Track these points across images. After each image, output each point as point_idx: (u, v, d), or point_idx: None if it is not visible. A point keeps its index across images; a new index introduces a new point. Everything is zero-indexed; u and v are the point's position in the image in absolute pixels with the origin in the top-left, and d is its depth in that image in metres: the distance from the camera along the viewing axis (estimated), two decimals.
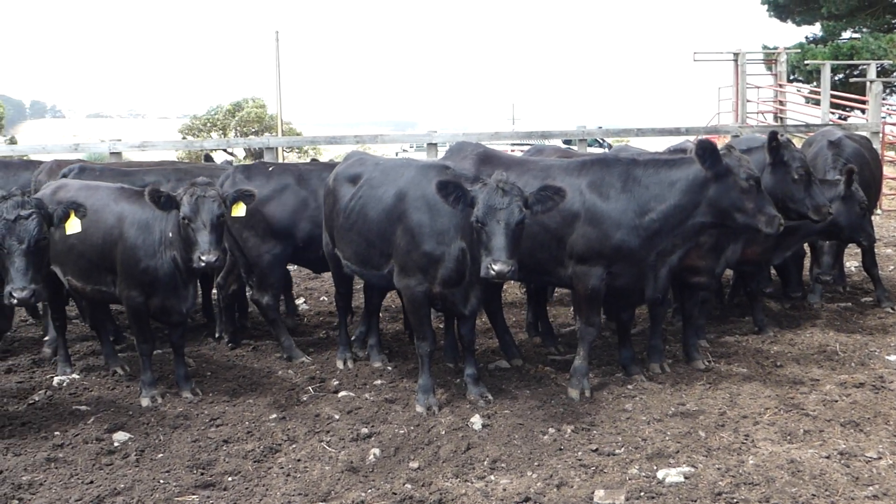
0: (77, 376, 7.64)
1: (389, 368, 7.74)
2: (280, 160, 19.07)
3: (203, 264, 6.41)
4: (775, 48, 28.15)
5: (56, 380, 7.52)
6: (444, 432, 6.16)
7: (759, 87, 27.42)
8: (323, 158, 20.68)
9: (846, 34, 30.52)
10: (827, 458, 5.56)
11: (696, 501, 5.02)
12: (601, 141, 35.06)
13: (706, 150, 6.47)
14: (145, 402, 6.89)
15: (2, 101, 51.84)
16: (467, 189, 6.12)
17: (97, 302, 7.53)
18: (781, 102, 26.76)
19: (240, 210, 6.87)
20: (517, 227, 5.99)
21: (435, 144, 16.65)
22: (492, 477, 5.45)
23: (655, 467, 5.47)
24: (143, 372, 7.04)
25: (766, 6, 31.52)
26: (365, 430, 6.21)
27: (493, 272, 5.86)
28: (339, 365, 7.74)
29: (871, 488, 5.13)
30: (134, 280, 6.84)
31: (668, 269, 6.91)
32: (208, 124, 49.66)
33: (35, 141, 37.02)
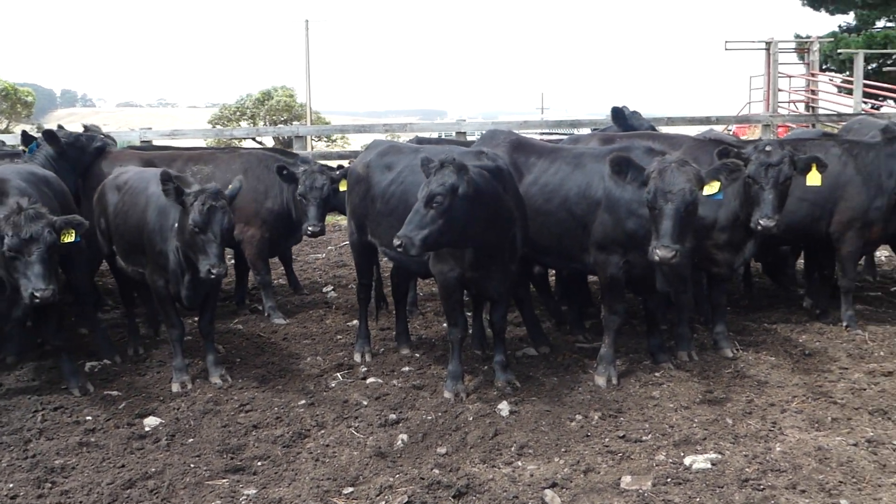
0: (108, 361, 7.76)
1: (417, 355, 7.78)
2: (308, 149, 19.17)
3: (213, 276, 6.48)
4: (808, 37, 27.82)
5: (87, 365, 7.64)
6: (471, 418, 6.20)
7: (790, 77, 27.13)
8: (352, 147, 20.74)
9: (880, 23, 30.12)
10: (854, 445, 5.54)
11: (722, 488, 5.02)
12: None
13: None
14: (175, 387, 6.99)
15: (32, 89, 52.32)
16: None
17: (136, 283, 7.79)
18: (813, 92, 26.46)
19: None
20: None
21: (464, 133, 16.67)
22: (519, 462, 5.48)
23: (682, 454, 5.48)
24: (174, 357, 7.15)
25: None
26: (393, 416, 6.26)
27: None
28: (357, 358, 7.72)
29: None
30: (155, 263, 6.98)
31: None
32: (237, 113, 49.92)
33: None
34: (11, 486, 5.32)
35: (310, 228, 8.94)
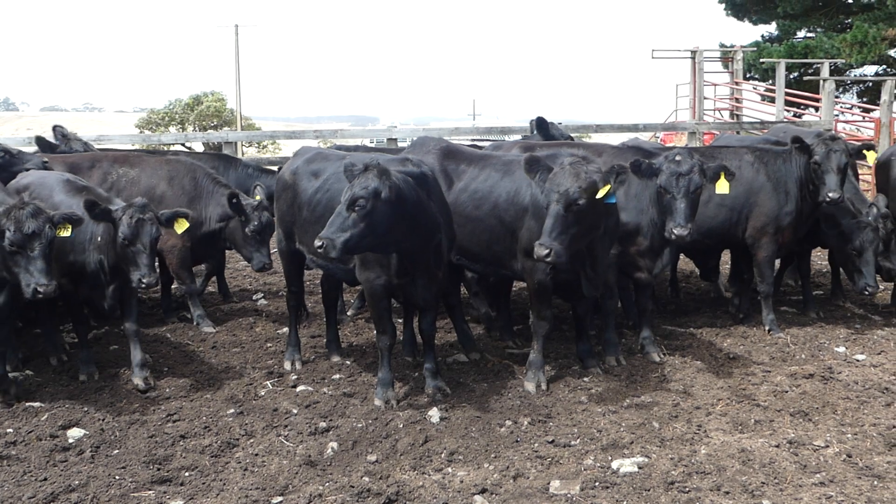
0: (30, 372, 7.56)
1: (348, 363, 7.75)
2: (239, 155, 18.94)
3: (143, 285, 6.77)
4: (732, 46, 28.45)
5: (11, 375, 7.42)
6: (402, 425, 6.19)
7: (716, 85, 27.70)
8: (283, 153, 20.57)
9: (801, 33, 30.90)
10: (777, 446, 5.69)
11: (649, 490, 5.11)
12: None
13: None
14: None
15: None
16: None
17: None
18: (738, 100, 27.07)
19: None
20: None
21: (395, 139, 16.68)
22: (449, 469, 5.50)
23: (610, 458, 5.56)
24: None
25: (723, 5, 31.82)
26: (323, 424, 6.22)
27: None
28: (287, 366, 7.66)
29: (818, 475, 5.27)
30: (62, 270, 7.07)
31: (603, 265, 7.00)
32: (166, 118, 49.13)
33: None
34: None
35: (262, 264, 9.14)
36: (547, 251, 6.07)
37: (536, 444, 5.83)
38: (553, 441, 5.86)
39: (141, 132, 43.06)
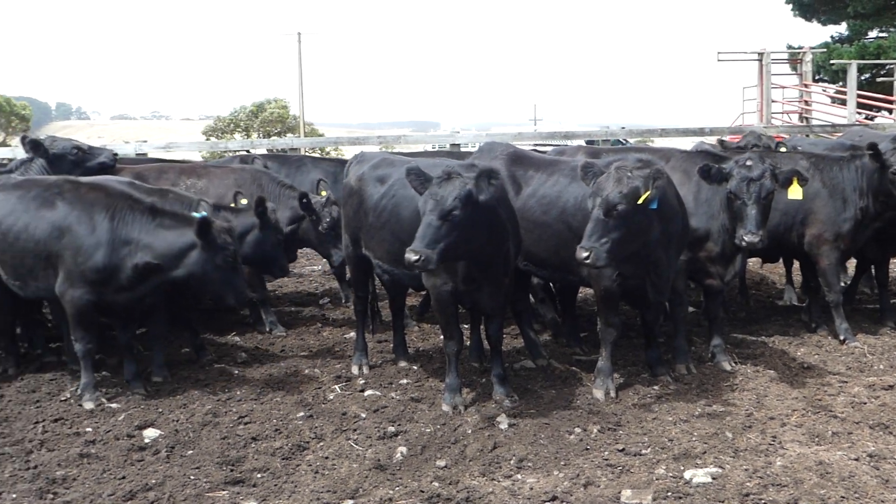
0: (107, 373, 7.73)
1: (415, 368, 7.77)
2: None
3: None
4: (800, 48, 27.94)
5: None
6: (470, 431, 6.18)
7: (784, 87, 27.22)
8: (346, 159, 20.75)
9: (872, 33, 30.25)
10: (856, 460, 5.53)
11: (723, 502, 5.02)
12: (624, 141, 34.91)
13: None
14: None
15: (28, 103, 52.35)
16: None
17: None
18: (807, 102, 26.57)
19: None
20: (441, 217, 5.95)
21: (458, 145, 16.69)
22: (518, 476, 5.47)
23: (682, 467, 5.47)
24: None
25: (790, 5, 31.32)
26: (392, 429, 6.24)
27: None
28: (355, 371, 7.70)
29: None
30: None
31: (669, 271, 6.91)
32: (231, 125, 49.94)
33: None
34: (14, 496, 5.30)
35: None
36: (587, 254, 6.02)
37: (606, 453, 5.77)
38: (623, 449, 5.79)
39: (207, 139, 43.81)
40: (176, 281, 7.02)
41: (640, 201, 6.15)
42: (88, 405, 6.83)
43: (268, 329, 9.23)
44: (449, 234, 5.88)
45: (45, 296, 7.36)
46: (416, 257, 5.76)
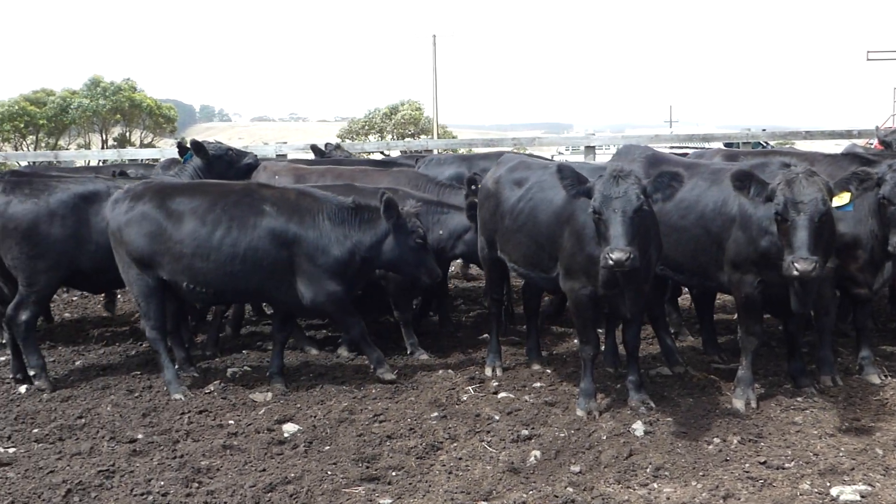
0: (248, 368, 8.03)
1: (548, 371, 7.74)
2: None
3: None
4: None
5: (229, 371, 7.93)
6: (605, 437, 6.12)
7: None
8: None
9: None
10: None
11: None
12: (765, 144, 33.74)
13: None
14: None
15: (174, 105, 54.84)
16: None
17: None
18: None
19: None
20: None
21: (593, 147, 16.51)
22: (655, 484, 5.38)
23: (828, 484, 5.26)
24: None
25: None
26: (525, 432, 6.24)
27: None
28: (488, 373, 7.73)
29: None
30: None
31: (815, 279, 6.61)
32: (366, 127, 50.91)
33: None
34: (162, 483, 5.55)
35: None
36: (813, 265, 5.71)
37: (747, 465, 5.60)
38: (765, 462, 5.61)
39: (343, 140, 44.83)
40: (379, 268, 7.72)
41: (839, 203, 5.99)
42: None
43: (408, 351, 8.59)
44: (637, 232, 5.90)
45: None
46: (626, 256, 5.70)
